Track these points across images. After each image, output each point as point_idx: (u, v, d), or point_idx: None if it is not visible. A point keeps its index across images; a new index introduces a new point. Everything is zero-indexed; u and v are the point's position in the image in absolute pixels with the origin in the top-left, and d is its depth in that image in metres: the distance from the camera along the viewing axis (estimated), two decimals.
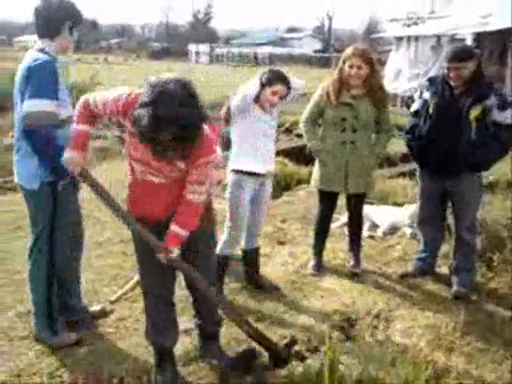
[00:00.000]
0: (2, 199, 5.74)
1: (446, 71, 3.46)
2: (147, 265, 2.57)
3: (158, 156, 2.24)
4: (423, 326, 3.18)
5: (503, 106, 3.35)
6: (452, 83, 3.45)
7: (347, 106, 3.65)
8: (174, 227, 2.42)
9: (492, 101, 3.34)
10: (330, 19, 50.86)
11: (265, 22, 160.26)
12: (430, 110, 3.53)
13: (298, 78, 3.51)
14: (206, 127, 2.31)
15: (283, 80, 3.31)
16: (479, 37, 12.37)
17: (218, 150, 2.52)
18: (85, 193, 3.06)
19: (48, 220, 2.78)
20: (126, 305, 3.39)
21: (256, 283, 3.67)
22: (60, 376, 2.63)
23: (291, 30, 65.49)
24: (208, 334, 2.84)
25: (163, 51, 48.84)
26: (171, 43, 54.74)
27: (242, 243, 3.65)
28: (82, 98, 2.47)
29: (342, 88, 3.65)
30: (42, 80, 2.61)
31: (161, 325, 2.63)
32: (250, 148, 3.37)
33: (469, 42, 11.89)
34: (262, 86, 3.29)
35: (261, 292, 3.59)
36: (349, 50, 3.63)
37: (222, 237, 3.44)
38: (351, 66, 3.58)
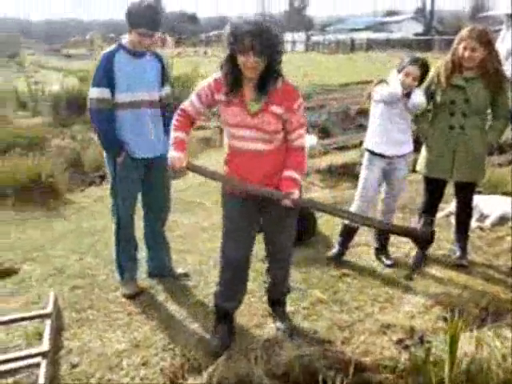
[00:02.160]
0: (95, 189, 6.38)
1: None
2: (231, 233, 2.77)
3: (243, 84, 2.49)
4: None
5: None
6: None
7: (458, 88, 3.50)
8: (289, 172, 2.60)
9: None
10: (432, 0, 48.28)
11: (362, 7, 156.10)
12: None
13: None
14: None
15: (414, 61, 3.43)
16: None
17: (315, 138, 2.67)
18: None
19: (113, 184, 3.28)
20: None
21: (383, 256, 3.87)
22: (172, 349, 2.81)
23: (390, 13, 63.14)
24: (276, 300, 3.04)
25: None
26: None
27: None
28: (178, 109, 2.74)
29: (455, 70, 3.51)
30: (97, 71, 3.12)
31: (230, 290, 2.84)
32: (382, 131, 3.58)
33: None
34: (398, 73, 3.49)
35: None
36: (465, 31, 3.47)
37: (350, 208, 3.73)
38: (465, 48, 3.42)
